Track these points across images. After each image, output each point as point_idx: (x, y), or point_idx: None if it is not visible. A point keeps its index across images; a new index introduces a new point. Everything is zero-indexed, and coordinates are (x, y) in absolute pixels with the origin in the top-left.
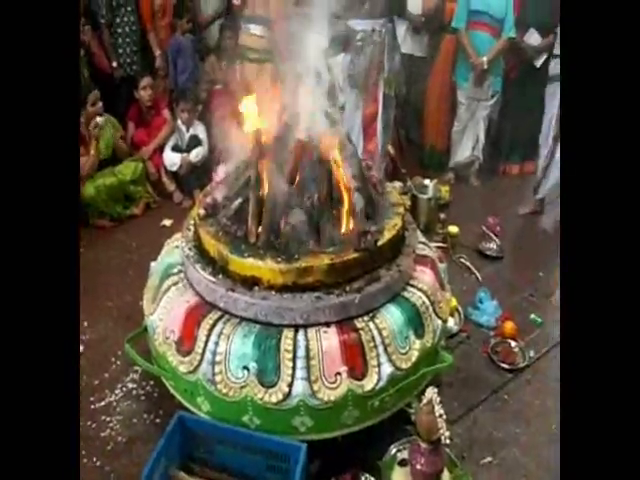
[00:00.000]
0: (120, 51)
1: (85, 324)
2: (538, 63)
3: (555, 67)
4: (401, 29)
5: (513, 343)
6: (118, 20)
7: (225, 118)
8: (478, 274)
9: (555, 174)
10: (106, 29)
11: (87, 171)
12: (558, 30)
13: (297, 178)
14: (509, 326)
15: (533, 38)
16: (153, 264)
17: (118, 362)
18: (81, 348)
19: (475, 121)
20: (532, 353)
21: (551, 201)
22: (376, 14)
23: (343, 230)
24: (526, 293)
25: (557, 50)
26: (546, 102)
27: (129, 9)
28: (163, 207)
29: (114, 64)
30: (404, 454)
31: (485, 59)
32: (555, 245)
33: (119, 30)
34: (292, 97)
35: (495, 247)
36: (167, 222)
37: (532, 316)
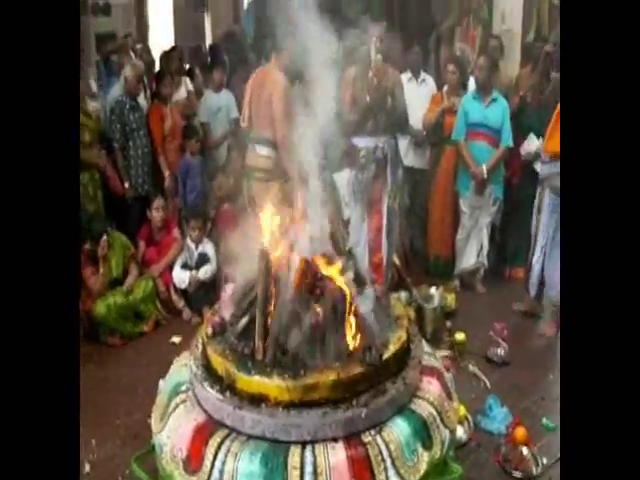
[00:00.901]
0: (132, 172)
1: (93, 442)
2: (539, 167)
3: (541, 171)
4: (403, 143)
5: (525, 450)
6: (131, 143)
7: (232, 236)
8: (487, 381)
9: (535, 273)
10: (119, 152)
11: (98, 290)
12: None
13: (302, 295)
14: (520, 432)
15: (532, 143)
16: (161, 382)
17: None
18: (88, 468)
19: (478, 228)
20: (545, 460)
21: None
22: (379, 132)
23: (348, 345)
24: (536, 397)
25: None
26: None
27: (141, 133)
28: (172, 324)
29: (126, 185)
30: None
31: (484, 168)
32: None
33: (131, 153)
34: (297, 216)
35: (503, 353)
36: (176, 339)
37: (544, 420)
